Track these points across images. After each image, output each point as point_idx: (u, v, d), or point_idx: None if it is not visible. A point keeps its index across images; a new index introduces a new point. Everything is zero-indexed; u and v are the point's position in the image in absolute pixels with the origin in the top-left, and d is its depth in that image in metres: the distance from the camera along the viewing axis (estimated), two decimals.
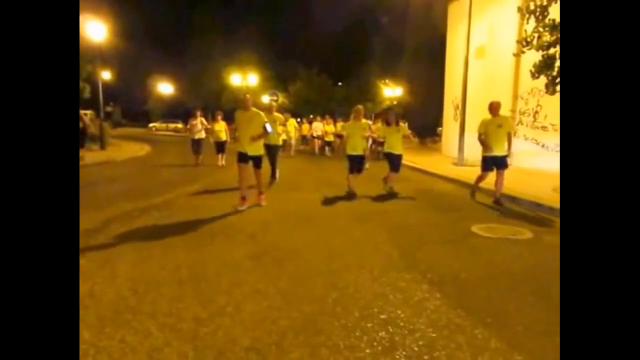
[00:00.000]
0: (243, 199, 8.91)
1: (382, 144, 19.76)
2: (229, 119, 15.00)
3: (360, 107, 11.48)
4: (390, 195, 10.95)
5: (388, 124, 11.53)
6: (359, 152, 11.04)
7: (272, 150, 12.49)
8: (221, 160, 17.09)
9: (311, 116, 31.83)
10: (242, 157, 8.89)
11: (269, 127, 8.80)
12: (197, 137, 17.22)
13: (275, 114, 12.58)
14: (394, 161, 11.35)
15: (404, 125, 11.93)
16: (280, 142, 12.61)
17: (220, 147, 17.12)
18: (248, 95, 9.28)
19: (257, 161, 9.10)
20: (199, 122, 17.25)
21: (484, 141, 9.84)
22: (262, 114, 9.04)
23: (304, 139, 28.35)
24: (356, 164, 11.05)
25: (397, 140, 11.38)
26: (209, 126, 17.58)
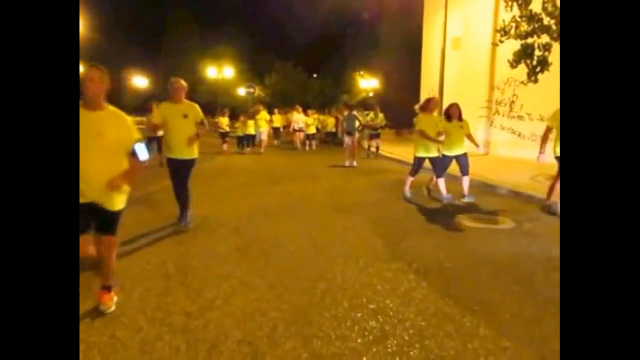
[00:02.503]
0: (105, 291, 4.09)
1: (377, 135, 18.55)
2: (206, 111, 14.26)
3: (434, 97, 9.32)
4: (468, 205, 8.78)
5: (449, 117, 9.16)
6: (434, 154, 9.22)
7: (181, 168, 6.79)
8: None
9: (285, 110, 30.48)
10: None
11: (140, 152, 4.07)
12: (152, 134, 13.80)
13: (185, 101, 6.72)
14: (463, 162, 9.10)
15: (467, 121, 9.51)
16: (196, 155, 6.87)
17: None
18: (97, 71, 4.19)
19: (103, 219, 4.02)
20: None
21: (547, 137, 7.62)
22: (127, 118, 4.23)
23: (275, 132, 25.17)
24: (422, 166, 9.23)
25: (460, 137, 9.13)
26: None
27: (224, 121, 19.81)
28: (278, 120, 25.55)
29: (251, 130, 20.34)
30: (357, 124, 16.00)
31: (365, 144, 19.69)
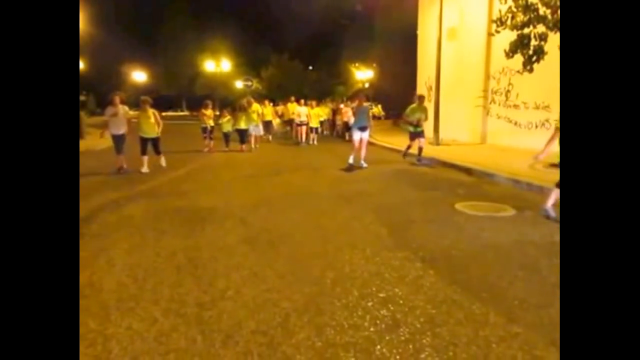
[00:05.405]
0: None
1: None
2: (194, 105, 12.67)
3: None
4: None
5: None
6: None
7: None
8: (146, 164, 12.29)
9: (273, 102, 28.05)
10: None
11: None
12: (120, 131, 12.13)
13: None
14: None
15: None
16: None
17: (146, 144, 12.40)
18: None
19: None
20: (120, 111, 12.12)
21: None
22: None
23: (266, 126, 21.71)
24: None
25: None
26: (133, 117, 12.68)
27: (207, 114, 17.76)
28: (269, 112, 22.81)
29: (242, 125, 17.94)
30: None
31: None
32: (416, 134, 13.76)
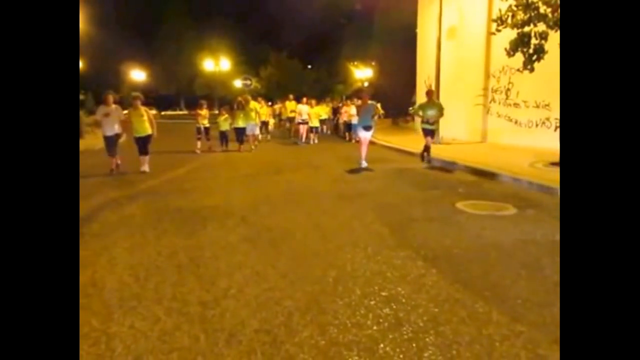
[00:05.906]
0: None
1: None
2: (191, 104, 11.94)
3: None
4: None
5: None
6: None
7: None
8: (144, 163, 12.08)
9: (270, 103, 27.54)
10: None
11: None
12: (112, 132, 11.73)
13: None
14: None
15: None
16: None
17: (142, 144, 12.04)
18: None
19: None
20: (114, 111, 11.75)
21: None
22: None
23: (263, 126, 21.43)
24: None
25: None
26: (125, 117, 12.17)
27: (202, 114, 17.33)
28: (265, 112, 22.35)
29: (241, 123, 17.44)
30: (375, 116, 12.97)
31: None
32: (430, 132, 13.00)
